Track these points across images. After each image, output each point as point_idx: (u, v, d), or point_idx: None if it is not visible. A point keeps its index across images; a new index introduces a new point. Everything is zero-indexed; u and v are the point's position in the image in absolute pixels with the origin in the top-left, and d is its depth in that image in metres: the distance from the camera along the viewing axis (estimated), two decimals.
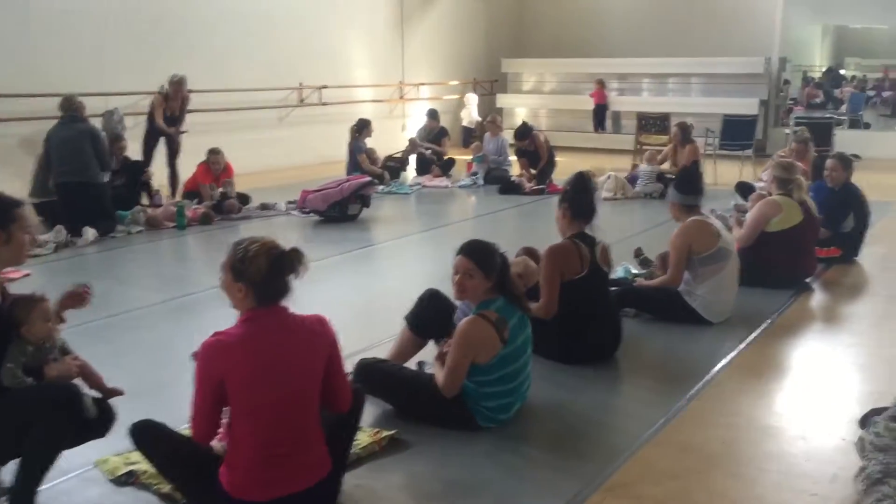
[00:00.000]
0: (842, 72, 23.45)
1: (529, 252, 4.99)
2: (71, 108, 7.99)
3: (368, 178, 8.99)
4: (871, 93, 21.37)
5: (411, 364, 4.21)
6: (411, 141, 12.26)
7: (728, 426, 3.82)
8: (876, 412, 3.40)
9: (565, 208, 4.58)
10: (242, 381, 2.77)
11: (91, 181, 7.69)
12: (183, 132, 9.54)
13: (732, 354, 4.73)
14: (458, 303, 4.00)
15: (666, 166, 10.59)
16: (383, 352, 4.26)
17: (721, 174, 11.47)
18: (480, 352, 3.60)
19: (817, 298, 6.05)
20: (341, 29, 14.02)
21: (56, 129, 7.99)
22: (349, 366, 4.01)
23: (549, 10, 17.74)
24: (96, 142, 7.90)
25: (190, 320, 5.44)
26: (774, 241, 6.06)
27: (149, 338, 5.13)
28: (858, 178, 7.24)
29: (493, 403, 3.70)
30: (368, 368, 3.88)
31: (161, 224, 8.22)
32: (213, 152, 9.11)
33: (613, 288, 5.65)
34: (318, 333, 2.92)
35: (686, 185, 5.43)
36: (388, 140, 13.64)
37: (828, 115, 13.10)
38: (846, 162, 6.83)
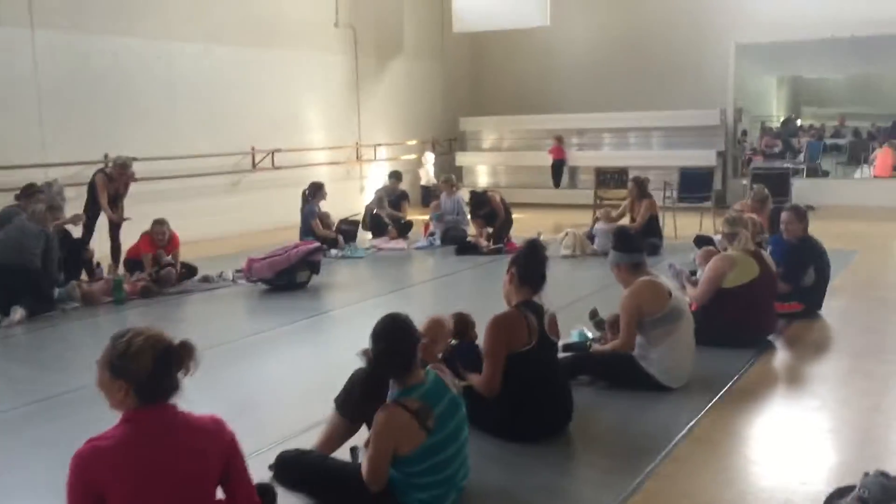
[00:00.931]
0: (798, 122, 23.75)
1: (462, 319, 4.67)
2: (29, 196, 7.85)
3: (316, 245, 8.69)
4: (829, 141, 21.59)
5: (344, 451, 3.86)
6: (378, 195, 11.95)
7: None
8: (840, 493, 3.11)
9: (513, 273, 4.31)
10: (125, 492, 2.43)
11: (27, 265, 7.27)
12: (126, 219, 9.18)
13: (690, 424, 4.44)
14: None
15: (624, 222, 10.41)
16: None
17: (681, 227, 11.33)
18: (400, 443, 3.28)
19: (780, 358, 5.80)
20: (294, 92, 13.86)
21: (10, 211, 7.87)
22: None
23: (505, 67, 17.79)
24: (48, 249, 7.52)
25: None
26: (731, 297, 5.83)
27: (69, 426, 4.73)
28: (819, 228, 7.09)
29: (424, 495, 3.36)
30: (289, 462, 3.54)
31: (98, 299, 7.83)
32: (158, 223, 8.77)
33: (566, 354, 5.40)
34: (211, 435, 2.60)
35: (625, 243, 5.18)
36: (346, 202, 13.39)
37: (784, 166, 13.06)
38: (801, 214, 6.66)
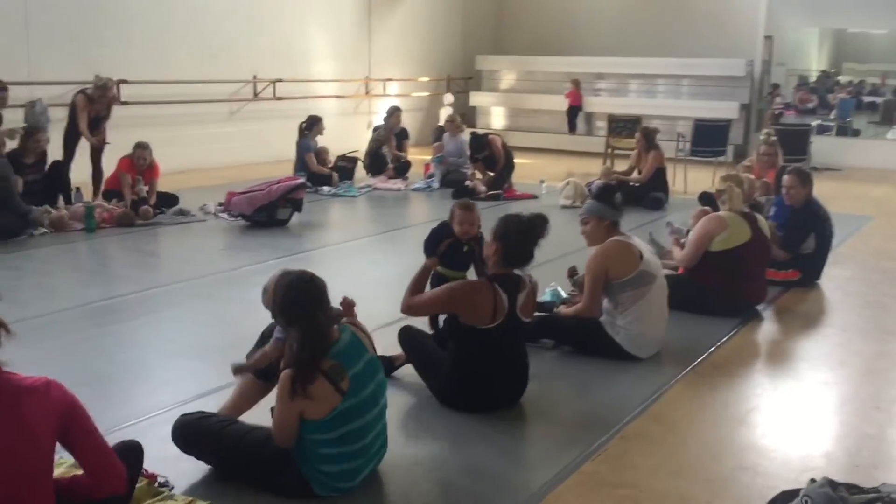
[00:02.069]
0: (838, 78, 22.79)
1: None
2: None
3: (299, 181, 8.32)
4: (867, 98, 20.69)
5: (260, 413, 3.55)
6: (380, 132, 11.47)
7: (620, 498, 3.17)
8: (785, 498, 2.75)
9: (498, 248, 3.84)
10: None
11: None
12: (107, 143, 8.83)
13: (649, 400, 4.08)
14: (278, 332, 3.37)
15: (634, 175, 9.91)
16: None
17: (693, 181, 10.81)
18: (309, 406, 2.94)
19: (764, 330, 5.40)
20: (300, 19, 13.33)
21: None
22: None
23: (528, 6, 17.07)
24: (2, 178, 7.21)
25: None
26: (718, 261, 5.41)
27: None
28: (836, 190, 6.59)
29: (333, 468, 3.05)
30: (186, 426, 3.22)
31: (68, 226, 7.55)
32: (140, 146, 8.44)
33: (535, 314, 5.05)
34: (39, 398, 2.28)
35: (611, 197, 4.76)
36: (353, 137, 12.96)
37: (805, 123, 12.39)
38: (804, 177, 6.16)
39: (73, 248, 7.10)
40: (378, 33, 14.92)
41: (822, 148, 13.77)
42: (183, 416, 3.30)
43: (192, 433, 3.20)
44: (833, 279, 6.45)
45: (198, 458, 3.22)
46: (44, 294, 5.73)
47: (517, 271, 3.88)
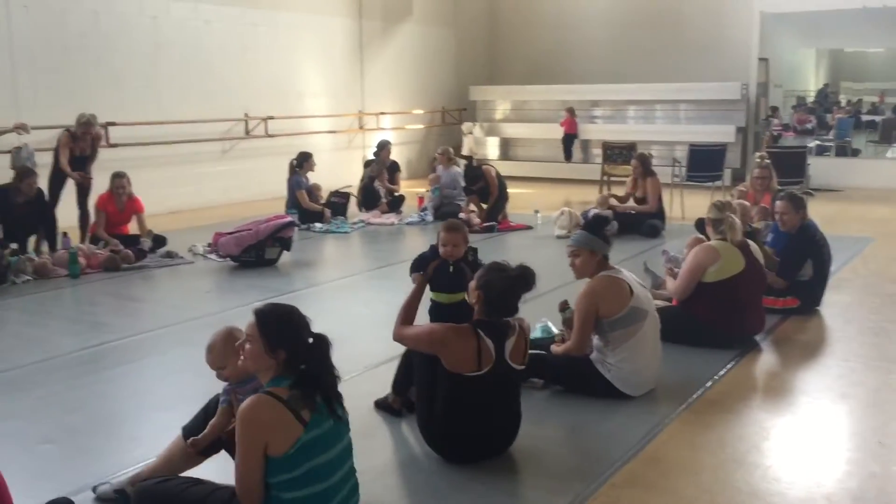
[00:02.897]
0: (840, 97, 22.72)
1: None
2: None
3: (287, 220, 8.18)
4: (866, 117, 20.59)
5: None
6: (372, 168, 11.37)
7: None
8: None
9: (480, 296, 3.66)
10: None
11: None
12: (90, 179, 8.73)
13: (640, 444, 3.90)
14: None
15: (631, 202, 9.76)
16: None
17: (690, 207, 10.66)
18: (271, 436, 2.75)
19: (763, 361, 5.21)
20: (291, 56, 13.30)
21: None
22: None
23: (522, 36, 17.07)
24: None
25: None
26: (712, 293, 5.24)
27: None
28: (835, 211, 6.41)
29: None
30: (145, 493, 3.05)
31: (51, 272, 7.43)
32: (117, 175, 8.37)
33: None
34: None
35: (601, 228, 4.60)
36: (347, 172, 12.85)
37: (800, 145, 12.26)
38: (797, 202, 6.01)
39: (56, 296, 6.96)
40: (370, 67, 14.89)
41: (821, 168, 13.63)
42: (142, 482, 3.14)
43: (150, 500, 3.03)
44: (833, 305, 6.28)
45: None
46: (21, 344, 5.58)
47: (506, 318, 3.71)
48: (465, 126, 16.30)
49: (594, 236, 4.54)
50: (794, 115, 21.51)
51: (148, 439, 3.94)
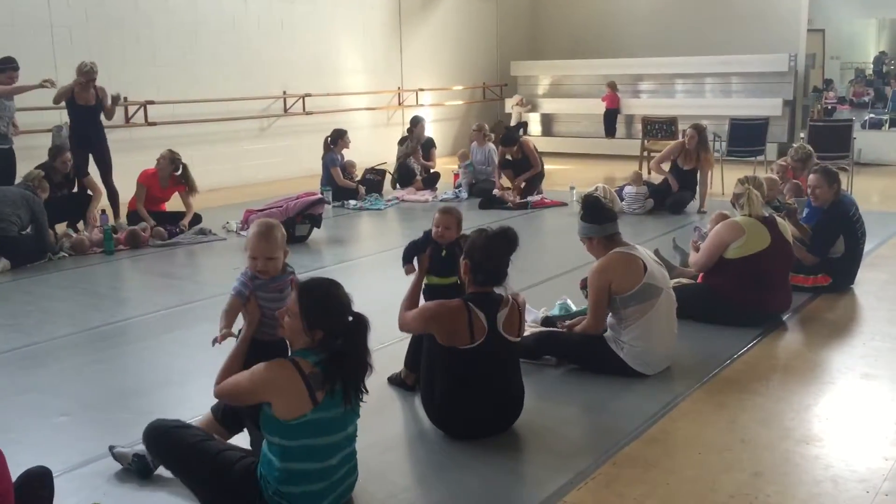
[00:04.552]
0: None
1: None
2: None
3: (317, 196, 8.22)
4: None
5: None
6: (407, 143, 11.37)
7: None
8: None
9: (467, 266, 3.69)
10: None
11: (5, 232, 7.00)
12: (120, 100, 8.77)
13: (647, 423, 3.84)
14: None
15: (665, 167, 9.54)
16: None
17: (729, 184, 10.40)
18: (278, 399, 2.82)
19: (786, 341, 5.08)
20: (330, 33, 13.30)
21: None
22: None
23: (564, 9, 16.82)
24: (35, 214, 7.23)
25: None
26: (734, 269, 5.13)
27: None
28: (880, 186, 6.17)
29: (295, 489, 2.89)
30: (159, 431, 3.17)
31: (88, 249, 7.59)
32: (170, 157, 8.49)
33: (538, 329, 4.85)
34: None
35: (596, 213, 4.47)
36: (386, 149, 12.85)
37: (845, 119, 11.85)
38: (830, 176, 5.82)
39: (89, 272, 7.09)
40: (409, 42, 14.82)
41: (873, 143, 13.22)
42: (160, 420, 3.24)
43: (164, 440, 3.14)
44: (868, 283, 6.09)
45: (163, 463, 3.20)
46: (49, 319, 5.71)
47: (497, 289, 3.69)
48: (515, 97, 16.19)
49: (586, 224, 4.46)
50: (850, 87, 20.86)
51: (162, 413, 3.99)
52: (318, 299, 2.95)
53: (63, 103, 8.48)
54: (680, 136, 10.70)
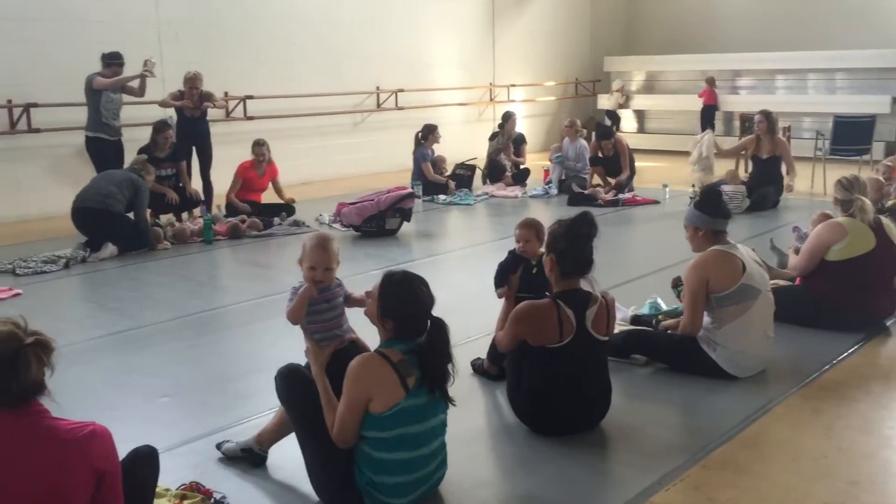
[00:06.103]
0: None
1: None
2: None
3: (408, 191, 8.31)
4: None
5: None
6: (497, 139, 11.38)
7: None
8: None
9: (553, 261, 3.67)
10: None
11: (108, 209, 7.33)
12: (214, 103, 9.07)
13: (739, 426, 3.75)
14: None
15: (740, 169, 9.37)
16: None
17: (832, 184, 10.04)
18: (376, 394, 2.88)
19: (890, 348, 4.87)
20: (423, 28, 13.40)
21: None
22: None
23: (659, 3, 16.53)
24: (137, 193, 7.54)
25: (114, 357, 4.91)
26: (836, 272, 4.95)
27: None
28: None
29: (388, 480, 2.95)
30: (294, 375, 3.23)
31: (189, 238, 7.87)
32: (258, 143, 8.77)
33: (627, 327, 4.79)
34: (78, 453, 2.24)
35: (714, 205, 4.41)
36: (476, 145, 12.87)
37: None
38: None
39: (189, 260, 7.36)
40: (502, 37, 14.81)
41: None
42: (298, 366, 3.30)
43: (299, 385, 3.19)
44: None
45: (285, 404, 3.25)
46: (151, 304, 5.97)
47: (584, 286, 3.66)
48: (615, 83, 15.99)
49: (698, 212, 4.38)
50: None
51: (255, 398, 4.13)
52: (397, 288, 2.99)
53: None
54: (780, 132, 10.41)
